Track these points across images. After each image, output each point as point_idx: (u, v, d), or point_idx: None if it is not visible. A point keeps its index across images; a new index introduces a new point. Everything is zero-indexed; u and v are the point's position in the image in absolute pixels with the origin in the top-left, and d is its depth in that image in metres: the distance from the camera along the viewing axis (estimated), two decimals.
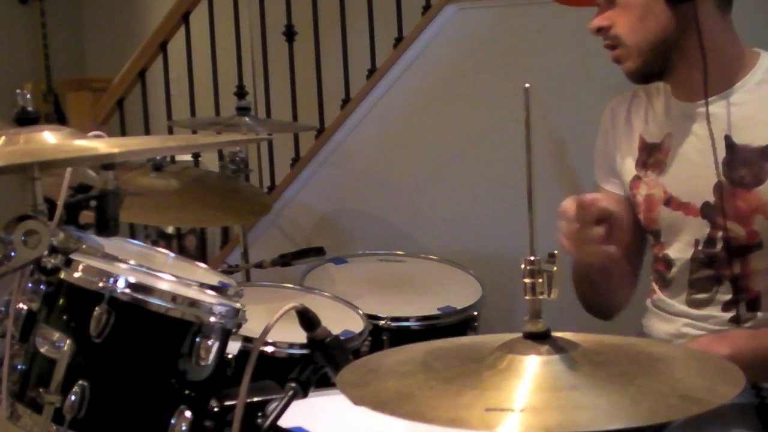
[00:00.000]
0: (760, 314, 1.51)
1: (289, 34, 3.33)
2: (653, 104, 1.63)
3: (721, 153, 1.50)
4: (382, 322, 2.12)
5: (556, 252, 0.93)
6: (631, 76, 1.55)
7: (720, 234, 1.51)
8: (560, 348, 0.92)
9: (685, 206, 1.55)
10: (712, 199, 1.51)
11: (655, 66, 1.53)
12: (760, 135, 1.48)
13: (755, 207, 1.48)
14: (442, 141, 3.08)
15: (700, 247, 1.54)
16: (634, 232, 1.66)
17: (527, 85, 0.93)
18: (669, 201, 1.57)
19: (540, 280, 0.93)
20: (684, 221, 1.55)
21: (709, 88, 1.50)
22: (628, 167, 1.64)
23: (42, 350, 1.23)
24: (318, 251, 2.43)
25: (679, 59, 1.51)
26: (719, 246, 1.52)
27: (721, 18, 1.51)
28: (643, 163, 1.61)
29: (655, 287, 1.65)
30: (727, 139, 1.49)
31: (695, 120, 1.54)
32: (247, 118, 2.63)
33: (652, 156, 1.60)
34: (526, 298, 0.93)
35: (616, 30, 1.52)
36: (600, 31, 1.54)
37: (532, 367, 0.90)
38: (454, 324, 2.21)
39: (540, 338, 0.93)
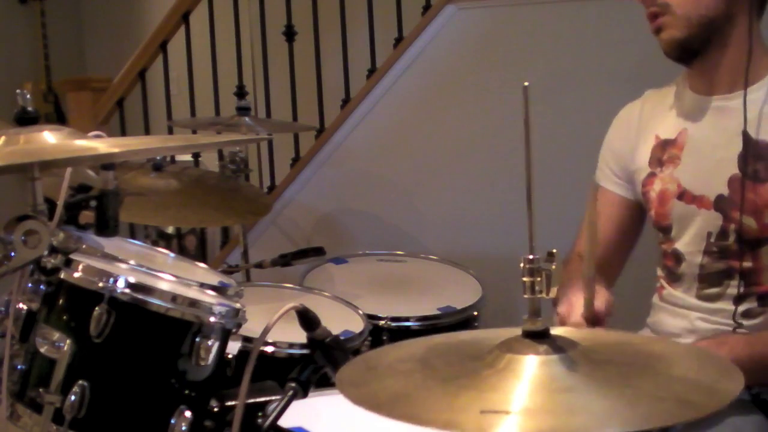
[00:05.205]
0: None
1: (289, 34, 3.33)
2: (666, 103, 1.66)
3: (738, 147, 1.52)
4: (382, 322, 2.12)
5: (554, 251, 0.93)
6: (671, 47, 1.55)
7: (733, 226, 1.53)
8: (559, 347, 0.92)
9: (699, 199, 1.57)
10: (726, 192, 1.53)
11: (696, 43, 1.54)
12: None
13: (767, 201, 1.50)
14: (442, 141, 3.08)
15: (712, 240, 1.56)
16: (631, 232, 1.74)
17: (527, 84, 0.93)
18: (682, 195, 1.59)
19: (539, 279, 0.93)
20: (697, 214, 1.57)
21: (732, 82, 1.54)
22: (642, 165, 1.66)
23: (42, 350, 1.23)
24: (318, 251, 2.43)
25: (716, 47, 1.54)
26: (732, 238, 1.54)
27: (757, 19, 1.55)
28: (657, 160, 1.64)
29: (664, 283, 1.67)
30: (745, 134, 1.52)
31: (712, 114, 1.57)
32: (247, 118, 2.63)
33: (666, 151, 1.62)
34: (525, 296, 0.93)
35: None
36: None
37: (530, 368, 0.90)
38: (454, 324, 2.21)
39: (539, 337, 0.93)
